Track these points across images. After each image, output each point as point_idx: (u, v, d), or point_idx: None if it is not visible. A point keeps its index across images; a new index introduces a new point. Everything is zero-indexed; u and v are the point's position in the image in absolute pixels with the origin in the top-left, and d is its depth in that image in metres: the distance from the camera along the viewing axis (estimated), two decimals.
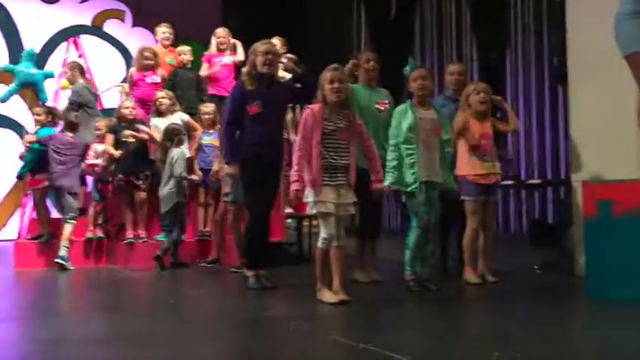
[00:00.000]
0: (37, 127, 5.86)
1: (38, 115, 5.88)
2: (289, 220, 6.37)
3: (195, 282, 4.90)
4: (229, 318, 3.29)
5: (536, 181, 7.72)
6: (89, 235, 5.79)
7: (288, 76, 4.97)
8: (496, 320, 3.10)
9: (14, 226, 7.41)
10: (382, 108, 4.40)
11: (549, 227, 6.18)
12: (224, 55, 6.42)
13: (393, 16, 7.54)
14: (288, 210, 5.94)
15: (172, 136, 5.44)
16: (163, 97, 5.83)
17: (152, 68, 6.32)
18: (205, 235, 5.84)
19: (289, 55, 5.89)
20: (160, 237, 5.82)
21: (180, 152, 5.41)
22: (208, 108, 5.81)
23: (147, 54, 6.32)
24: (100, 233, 5.83)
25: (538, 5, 7.76)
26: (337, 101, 3.57)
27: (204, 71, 6.34)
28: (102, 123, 5.96)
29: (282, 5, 8.95)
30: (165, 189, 5.39)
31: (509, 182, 7.87)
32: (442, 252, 4.69)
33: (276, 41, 6.08)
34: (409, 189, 3.90)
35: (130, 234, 5.76)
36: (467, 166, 4.21)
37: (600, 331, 2.77)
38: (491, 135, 4.27)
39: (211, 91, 6.37)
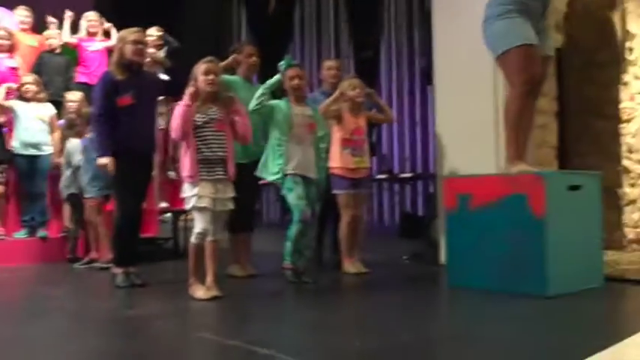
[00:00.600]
0: None
1: None
2: (166, 215, 6.20)
3: (59, 280, 4.62)
4: (93, 317, 3.14)
5: (407, 175, 8.11)
6: None
7: None
8: (365, 310, 3.21)
9: None
10: None
11: (418, 219, 6.50)
12: (94, 40, 6.10)
13: (272, 11, 7.54)
14: (163, 204, 5.78)
15: (72, 125, 5.14)
16: (31, 82, 5.42)
17: (8, 50, 5.86)
18: (72, 233, 5.51)
19: (156, 28, 5.74)
20: (20, 234, 5.44)
21: (77, 142, 5.11)
22: (75, 96, 5.48)
23: (1, 33, 5.85)
24: None
25: (409, 7, 8.13)
26: (210, 92, 3.53)
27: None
28: None
29: None
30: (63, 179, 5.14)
31: (383, 176, 8.22)
32: (318, 244, 4.79)
33: (154, 30, 5.89)
34: (271, 178, 3.97)
35: None
36: (338, 159, 4.32)
37: (456, 318, 2.97)
38: (364, 130, 4.41)
39: (80, 78, 6.03)
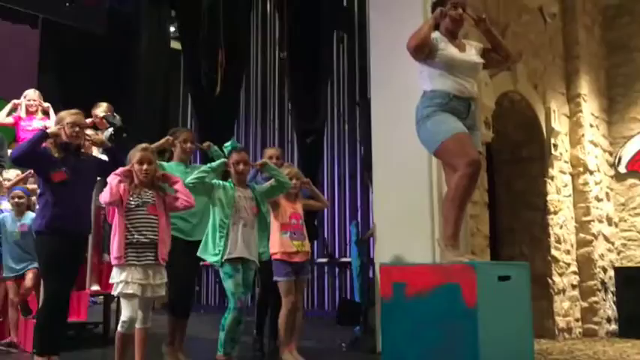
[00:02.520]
0: None
1: None
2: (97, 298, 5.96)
3: None
4: None
5: (348, 259, 8.14)
6: None
7: None
8: None
9: None
10: None
11: (356, 306, 6.48)
12: (34, 118, 6.04)
13: (218, 94, 7.70)
14: (95, 287, 5.56)
15: None
16: None
17: None
18: None
19: (103, 107, 5.75)
20: None
21: None
22: (9, 174, 5.37)
23: None
24: None
25: (352, 95, 8.48)
26: (144, 182, 3.57)
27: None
28: None
29: (105, 71, 8.71)
30: None
31: (324, 260, 8.24)
32: (257, 332, 4.71)
33: (103, 105, 5.88)
34: (211, 260, 3.94)
35: None
36: (278, 244, 4.33)
37: None
38: (301, 215, 4.47)
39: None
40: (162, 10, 8.95)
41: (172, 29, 9.32)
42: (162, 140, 4.36)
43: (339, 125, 8.57)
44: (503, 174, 5.76)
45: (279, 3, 8.08)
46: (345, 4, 8.44)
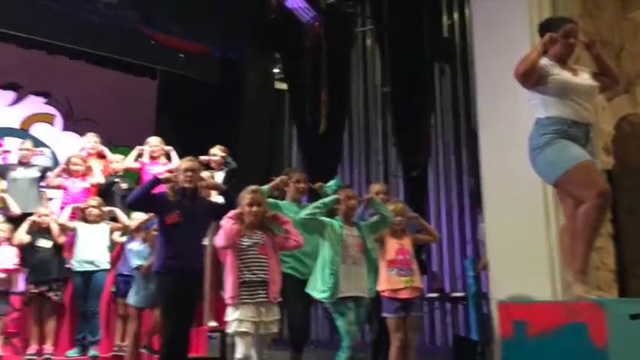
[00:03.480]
0: None
1: None
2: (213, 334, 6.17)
3: None
4: None
5: (459, 294, 7.89)
6: None
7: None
8: None
9: None
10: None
11: (472, 343, 6.24)
12: (157, 163, 6.46)
13: (323, 131, 7.86)
14: (212, 323, 5.76)
15: None
16: (94, 205, 5.72)
17: (82, 175, 6.25)
18: (123, 351, 5.54)
19: (219, 147, 6.02)
20: (71, 352, 5.47)
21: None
22: (137, 215, 5.77)
23: (75, 160, 6.26)
24: None
25: (457, 126, 8.33)
26: (255, 223, 3.67)
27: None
28: (5, 226, 5.67)
29: (214, 115, 9.18)
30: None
31: (434, 295, 8.03)
32: None
33: (217, 150, 6.19)
34: (319, 296, 3.96)
35: (32, 349, 5.37)
36: (385, 282, 4.29)
37: None
38: (409, 250, 4.41)
39: None
40: (267, 54, 9.34)
41: (276, 70, 9.69)
42: (277, 180, 4.49)
43: (445, 157, 8.41)
44: (627, 202, 5.37)
45: (379, 38, 8.19)
46: (445, 34, 8.38)
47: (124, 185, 6.36)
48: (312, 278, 4.08)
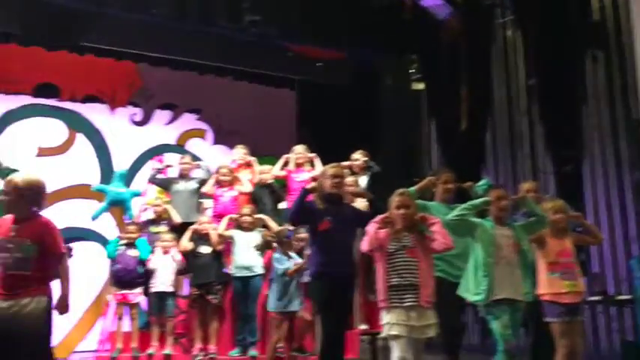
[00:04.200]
0: (124, 241, 6.14)
1: (131, 232, 6.16)
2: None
3: None
4: None
5: (626, 297, 7.27)
6: (151, 350, 5.76)
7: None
8: None
9: (95, 338, 7.65)
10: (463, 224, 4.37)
11: None
12: (302, 170, 6.67)
13: (465, 130, 7.63)
14: (363, 327, 5.81)
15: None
16: (248, 214, 6.04)
17: (228, 185, 6.62)
18: (279, 352, 5.77)
19: (361, 152, 6.06)
20: (234, 352, 5.79)
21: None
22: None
23: (223, 171, 6.65)
24: (168, 349, 5.80)
25: (613, 115, 7.68)
26: (404, 226, 3.65)
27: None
28: (169, 236, 6.12)
29: (353, 120, 9.28)
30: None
31: (597, 298, 7.46)
32: None
33: (359, 155, 6.27)
34: (473, 299, 3.86)
35: (197, 349, 5.76)
36: (546, 284, 4.06)
37: None
38: (571, 252, 4.14)
39: (289, 205, 6.58)
40: (402, 55, 9.27)
41: (413, 70, 9.57)
42: (425, 181, 4.47)
43: (601, 150, 7.78)
44: None
45: (521, 27, 7.80)
46: (596, 17, 7.76)
47: (273, 194, 6.64)
48: (465, 280, 4.00)
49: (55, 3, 7.06)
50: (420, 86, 9.27)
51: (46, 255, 3.34)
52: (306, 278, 5.47)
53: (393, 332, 3.52)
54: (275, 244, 5.80)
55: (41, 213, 3.47)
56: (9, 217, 3.44)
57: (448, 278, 4.19)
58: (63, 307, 3.40)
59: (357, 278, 4.81)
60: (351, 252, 4.32)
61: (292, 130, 9.74)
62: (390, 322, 3.55)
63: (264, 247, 5.74)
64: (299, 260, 5.58)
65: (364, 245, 3.80)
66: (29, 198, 3.40)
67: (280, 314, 5.51)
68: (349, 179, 5.13)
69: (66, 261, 3.45)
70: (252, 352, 5.76)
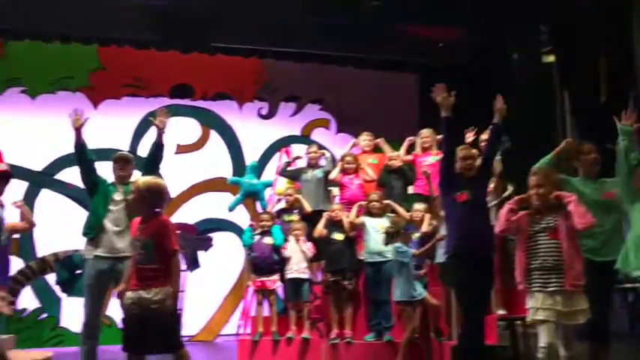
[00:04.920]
0: (259, 230, 6.41)
1: (266, 220, 6.42)
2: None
3: None
4: None
5: None
6: (290, 334, 5.95)
7: None
8: None
9: (236, 322, 8.12)
10: (611, 199, 4.10)
11: None
12: (430, 154, 6.58)
13: (604, 101, 7.10)
14: (501, 312, 5.62)
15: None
16: (376, 199, 6.09)
17: (354, 172, 6.70)
18: (415, 337, 5.77)
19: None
20: (369, 337, 5.86)
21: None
22: (420, 207, 6.03)
23: (348, 159, 6.75)
24: (306, 333, 5.96)
25: None
26: (540, 206, 3.52)
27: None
28: (301, 224, 6.26)
29: (479, 99, 8.94)
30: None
31: None
32: None
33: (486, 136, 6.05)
34: (635, 274, 3.59)
35: (334, 334, 5.88)
36: None
37: None
38: None
39: (416, 190, 6.53)
40: (530, 27, 8.80)
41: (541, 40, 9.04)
42: (562, 144, 4.25)
43: None
44: None
45: None
46: None
47: (403, 178, 6.61)
48: (623, 254, 3.74)
49: (189, 10, 7.54)
50: (551, 58, 8.75)
51: (161, 251, 3.64)
52: (440, 259, 5.42)
53: (539, 317, 3.40)
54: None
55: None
56: (138, 218, 3.81)
57: (593, 258, 3.94)
58: (171, 298, 3.61)
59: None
60: (489, 232, 4.21)
61: (414, 114, 9.61)
62: (534, 306, 3.44)
63: (394, 235, 5.71)
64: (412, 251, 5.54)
65: (497, 226, 3.70)
66: (149, 200, 3.72)
67: (408, 304, 5.47)
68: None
69: (178, 259, 3.71)
70: (388, 337, 5.78)
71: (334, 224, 6.12)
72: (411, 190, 6.71)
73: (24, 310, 7.85)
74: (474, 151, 4.57)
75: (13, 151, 6.96)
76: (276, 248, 6.18)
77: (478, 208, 4.12)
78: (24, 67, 8.66)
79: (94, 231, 4.78)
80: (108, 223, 4.77)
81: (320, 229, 6.09)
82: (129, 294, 3.62)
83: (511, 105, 8.71)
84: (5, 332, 6.14)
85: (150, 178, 3.82)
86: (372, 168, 6.88)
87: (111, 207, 4.81)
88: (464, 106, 8.92)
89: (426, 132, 6.75)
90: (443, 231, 4.87)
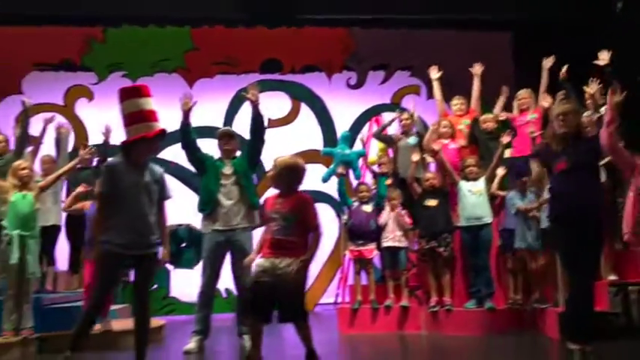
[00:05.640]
0: (356, 202, 6.47)
1: (362, 192, 6.46)
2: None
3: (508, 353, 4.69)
4: None
5: None
6: (388, 302, 6.02)
7: None
8: None
9: (333, 291, 8.26)
10: None
11: None
12: (527, 114, 6.36)
13: None
14: (612, 277, 5.35)
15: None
16: (473, 164, 5.97)
17: (450, 136, 6.58)
18: (517, 304, 5.64)
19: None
20: (469, 305, 5.77)
21: None
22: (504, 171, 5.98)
23: (444, 123, 6.65)
24: (405, 301, 5.99)
25: None
26: None
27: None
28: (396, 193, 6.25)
29: (576, 54, 8.41)
30: None
31: None
32: None
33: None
34: None
35: (433, 301, 5.85)
36: None
37: None
38: None
39: (513, 153, 6.31)
40: None
41: None
42: None
43: None
44: None
45: None
46: None
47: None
48: None
49: None
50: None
51: (302, 225, 3.76)
52: (544, 223, 5.23)
53: None
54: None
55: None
56: (275, 193, 3.95)
57: None
58: (302, 268, 3.72)
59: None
60: (595, 193, 3.99)
61: (510, 74, 9.18)
62: None
63: None
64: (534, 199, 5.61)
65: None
66: (285, 177, 3.86)
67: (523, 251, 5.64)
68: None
69: (319, 233, 3.81)
70: (489, 304, 5.68)
71: (427, 190, 6.05)
72: (507, 153, 6.47)
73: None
74: (571, 106, 4.32)
75: (118, 132, 7.33)
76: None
77: (580, 172, 3.90)
78: (124, 52, 9.10)
79: (209, 206, 5.01)
80: (222, 198, 4.99)
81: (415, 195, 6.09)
82: (261, 261, 3.77)
83: (615, 61, 8.17)
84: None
85: (287, 158, 3.96)
86: (463, 132, 6.74)
87: (222, 181, 5.04)
88: (562, 63, 8.47)
89: (523, 92, 6.51)
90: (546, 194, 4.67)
